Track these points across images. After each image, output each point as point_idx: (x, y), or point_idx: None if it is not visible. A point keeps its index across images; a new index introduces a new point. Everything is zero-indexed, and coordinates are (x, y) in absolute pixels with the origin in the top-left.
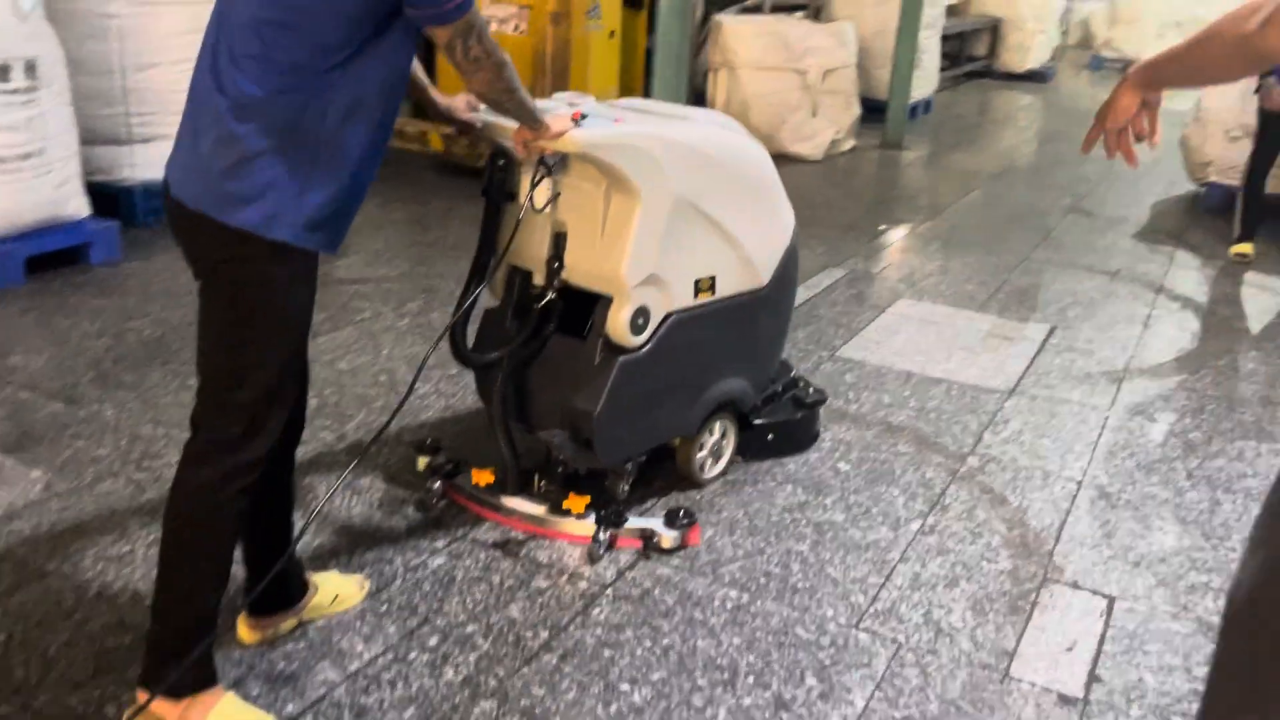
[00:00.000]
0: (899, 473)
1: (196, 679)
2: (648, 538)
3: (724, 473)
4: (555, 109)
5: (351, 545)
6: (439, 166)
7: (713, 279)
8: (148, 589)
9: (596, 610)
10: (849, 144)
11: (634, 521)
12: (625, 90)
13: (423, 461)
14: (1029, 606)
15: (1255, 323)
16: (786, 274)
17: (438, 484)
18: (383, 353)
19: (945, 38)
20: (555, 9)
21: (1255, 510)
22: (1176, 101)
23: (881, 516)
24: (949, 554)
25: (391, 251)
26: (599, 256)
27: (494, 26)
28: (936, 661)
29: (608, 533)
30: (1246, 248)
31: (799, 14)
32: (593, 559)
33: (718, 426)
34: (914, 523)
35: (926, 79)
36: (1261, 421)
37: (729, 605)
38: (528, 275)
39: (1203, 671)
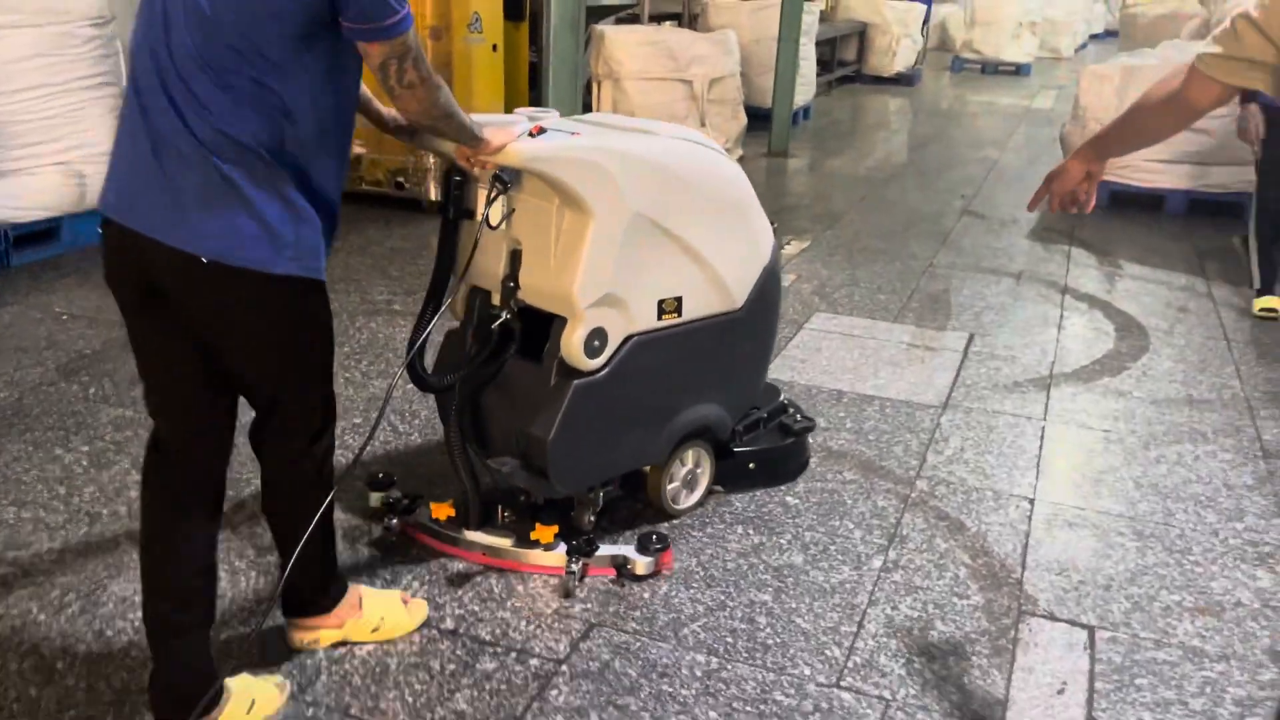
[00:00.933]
0: (850, 503)
1: (342, 583)
2: (620, 565)
3: (700, 504)
4: (515, 123)
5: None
6: None
7: (679, 300)
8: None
9: (554, 692)
10: (737, 153)
11: (605, 549)
12: (510, 104)
13: (376, 498)
14: (1010, 645)
15: (1159, 319)
16: (765, 296)
17: (394, 521)
18: None
19: (817, 44)
20: (434, 23)
21: (1209, 518)
22: (1040, 99)
23: (841, 555)
24: (918, 592)
25: None
26: (552, 275)
27: None
28: (929, 719)
29: (579, 563)
30: (1275, 301)
31: (669, 23)
32: (566, 592)
33: (691, 455)
34: (875, 559)
35: (805, 85)
36: (1191, 423)
37: (698, 673)
38: (488, 295)
39: (1199, 704)
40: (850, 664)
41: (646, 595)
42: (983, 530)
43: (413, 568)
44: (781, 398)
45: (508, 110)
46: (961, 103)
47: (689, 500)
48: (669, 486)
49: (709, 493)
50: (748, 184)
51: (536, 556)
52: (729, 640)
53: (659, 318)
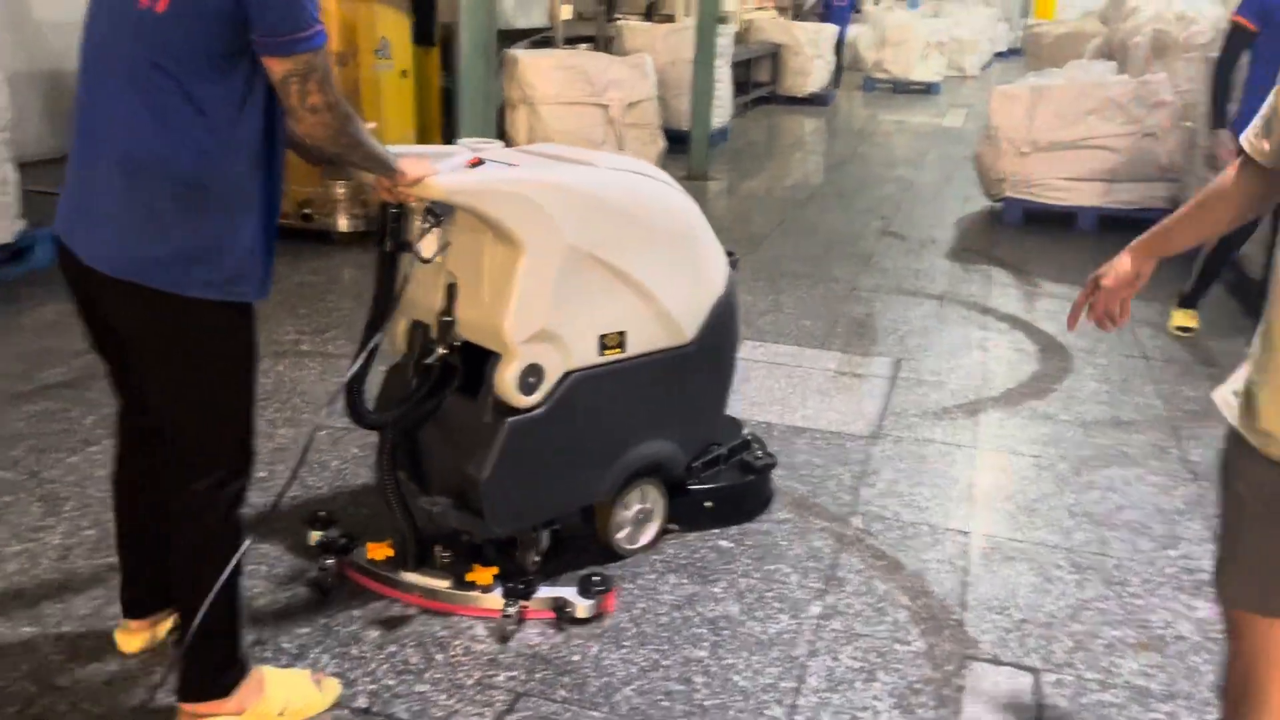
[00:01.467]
0: (785, 545)
1: (242, 669)
2: (560, 608)
3: (654, 543)
4: (441, 155)
5: None
6: None
7: (622, 335)
8: None
9: None
10: None
11: (545, 591)
12: (423, 132)
13: (314, 536)
14: (956, 694)
15: (1079, 338)
16: (719, 329)
17: (330, 561)
18: None
19: (732, 65)
20: (340, 49)
21: (1144, 545)
22: (951, 118)
23: (778, 602)
24: (858, 640)
25: None
26: (485, 310)
27: None
28: None
29: (516, 606)
30: (1190, 319)
31: (582, 46)
32: (503, 636)
33: (641, 493)
34: (814, 605)
35: (721, 107)
36: (1119, 445)
37: None
38: (429, 329)
39: None
40: None
41: (576, 658)
42: (920, 569)
43: (321, 639)
44: (745, 433)
45: (433, 139)
46: (875, 122)
47: (641, 540)
48: (618, 525)
49: (663, 532)
50: (698, 215)
51: (473, 599)
52: (665, 704)
53: (601, 353)
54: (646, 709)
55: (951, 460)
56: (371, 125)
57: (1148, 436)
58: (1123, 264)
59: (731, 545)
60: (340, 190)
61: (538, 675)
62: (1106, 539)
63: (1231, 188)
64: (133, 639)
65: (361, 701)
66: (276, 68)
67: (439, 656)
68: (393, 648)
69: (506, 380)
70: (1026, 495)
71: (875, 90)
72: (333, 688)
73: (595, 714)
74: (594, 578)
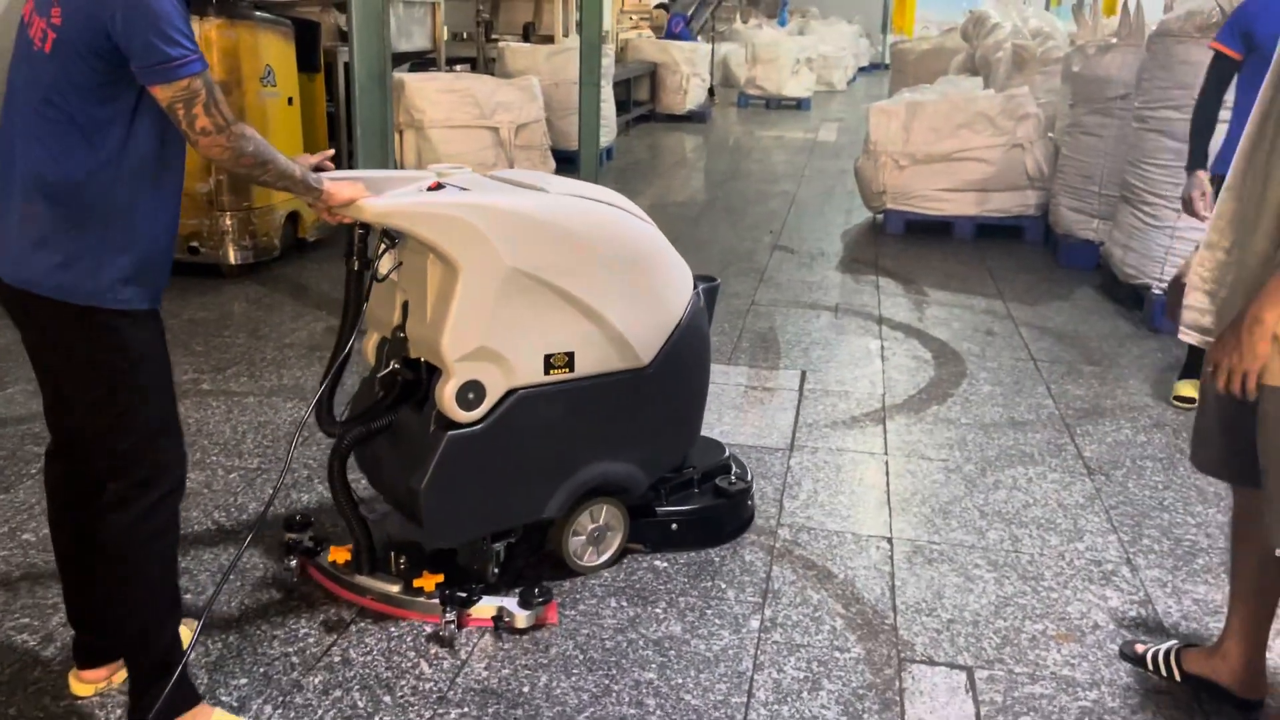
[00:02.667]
0: (719, 561)
1: (185, 698)
2: (499, 618)
3: (614, 562)
4: (418, 179)
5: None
6: None
7: (569, 355)
8: None
9: None
10: None
11: (487, 600)
12: None
13: (287, 537)
14: (898, 696)
15: (970, 343)
16: (681, 354)
17: (294, 562)
18: None
19: (613, 85)
20: (223, 77)
21: (1053, 540)
22: (824, 132)
23: (719, 618)
24: (800, 650)
25: None
26: (428, 328)
27: None
28: None
29: (454, 612)
30: (1190, 389)
31: (460, 67)
32: (442, 641)
33: (597, 512)
34: (753, 619)
35: (606, 127)
36: (1018, 445)
37: None
38: (391, 344)
39: None
40: None
41: (526, 689)
42: (850, 576)
43: (262, 689)
44: (725, 455)
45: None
46: (753, 138)
47: (598, 558)
48: (572, 542)
49: (625, 552)
50: (655, 241)
51: (418, 605)
52: None
53: (546, 372)
54: None
55: (866, 468)
56: None
57: (1044, 435)
58: (1261, 348)
59: (667, 565)
60: (228, 222)
61: (490, 710)
62: (1018, 536)
63: None
64: (85, 686)
65: None
66: (160, 95)
67: (386, 699)
68: (337, 693)
69: (445, 396)
70: (940, 498)
71: (749, 106)
72: None
73: None
74: (535, 590)
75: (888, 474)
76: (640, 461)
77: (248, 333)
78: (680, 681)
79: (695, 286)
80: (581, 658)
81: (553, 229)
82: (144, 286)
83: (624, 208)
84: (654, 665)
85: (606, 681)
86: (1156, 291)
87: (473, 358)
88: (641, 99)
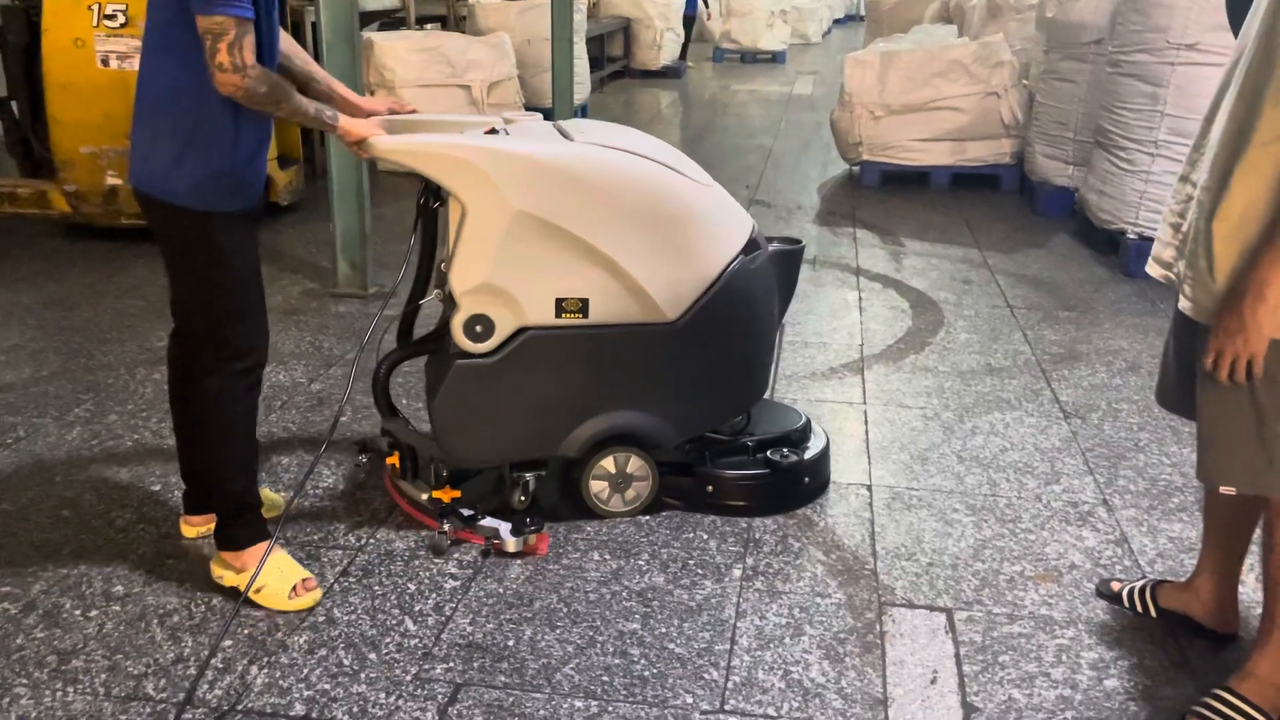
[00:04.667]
0: (700, 513)
1: (256, 534)
2: (489, 538)
3: (641, 512)
4: (483, 124)
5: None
6: (69, 230)
7: (583, 302)
8: None
9: None
10: None
11: (489, 522)
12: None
13: (369, 440)
14: (878, 639)
15: (947, 292)
16: (716, 314)
17: (364, 458)
18: (56, 480)
19: (586, 41)
20: None
21: (1030, 484)
22: (800, 85)
23: (701, 569)
24: (781, 597)
25: (33, 345)
26: (449, 262)
27: (114, 64)
28: None
29: (450, 526)
30: None
31: (431, 26)
32: (436, 550)
33: (621, 460)
34: (735, 568)
35: (580, 83)
36: (995, 391)
37: None
38: None
39: (1059, 673)
40: (730, 684)
41: (511, 643)
42: (830, 524)
43: (247, 649)
44: (795, 425)
45: (292, 126)
46: (728, 92)
47: (621, 505)
48: (593, 485)
49: (659, 504)
50: (695, 199)
51: (424, 511)
52: (605, 679)
53: (558, 315)
54: (588, 685)
55: (845, 417)
56: None
57: (1020, 381)
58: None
59: (649, 518)
60: None
61: (475, 664)
62: (995, 480)
63: None
64: (190, 529)
65: (299, 709)
66: (199, 23)
67: (372, 656)
68: (323, 651)
69: (455, 325)
70: (918, 445)
71: (725, 61)
72: (309, 600)
73: (538, 695)
74: (527, 519)
75: (866, 423)
76: (670, 417)
77: None
78: (664, 631)
79: (754, 249)
80: (566, 610)
81: (566, 176)
82: (226, 193)
83: (668, 163)
84: (637, 616)
85: (591, 633)
86: (1131, 236)
87: (478, 292)
88: (615, 55)
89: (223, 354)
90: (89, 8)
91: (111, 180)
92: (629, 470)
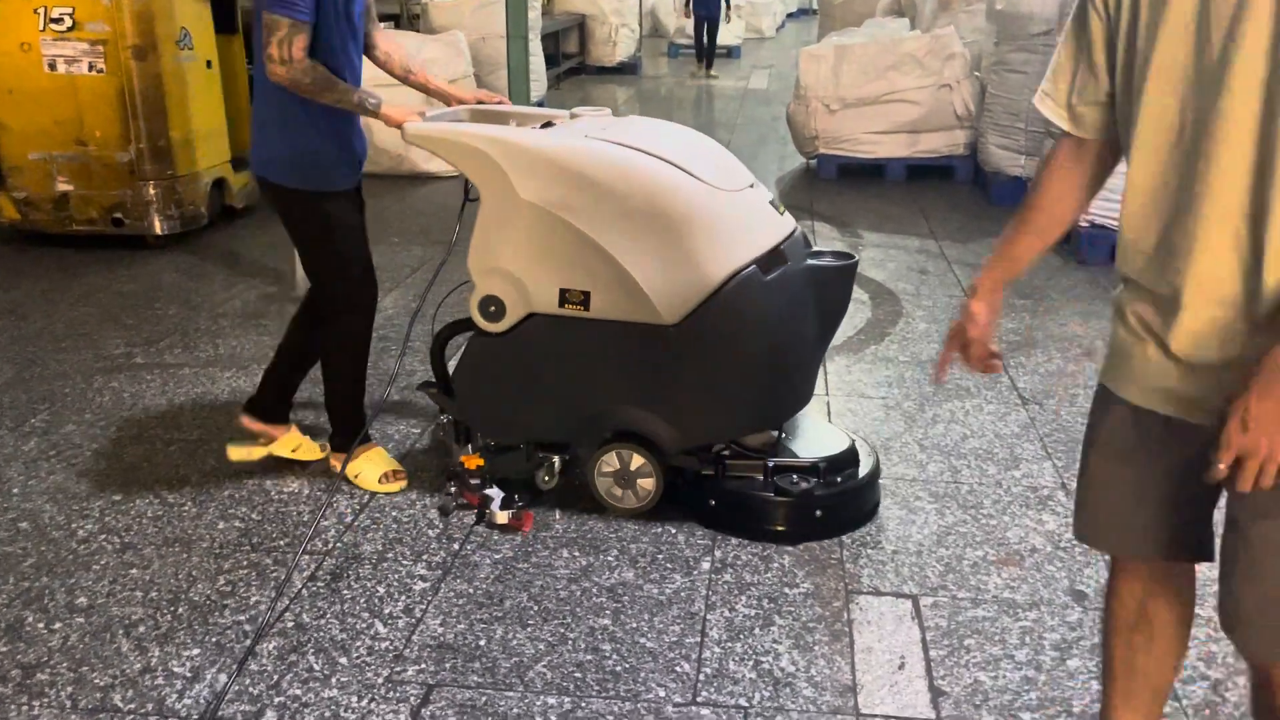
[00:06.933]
0: (669, 507)
1: (358, 438)
2: (484, 505)
3: (648, 509)
4: (553, 116)
5: None
6: (19, 238)
7: (585, 294)
8: None
9: None
10: None
11: (490, 490)
12: (235, 123)
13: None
14: (846, 627)
15: (905, 283)
16: (714, 321)
17: (446, 419)
18: (13, 492)
19: (542, 38)
20: (137, 41)
21: (990, 470)
22: (756, 79)
23: (670, 563)
24: (750, 589)
25: None
26: None
27: (62, 68)
28: (787, 719)
29: (455, 486)
30: None
31: (384, 25)
32: (443, 510)
33: (625, 456)
34: (704, 561)
35: (536, 81)
36: (954, 380)
37: (553, 717)
38: None
39: (1023, 655)
40: (702, 677)
41: (483, 643)
42: None
43: (215, 657)
44: (830, 454)
45: (244, 130)
46: (684, 88)
47: (626, 502)
48: (598, 476)
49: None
50: (704, 205)
51: (457, 477)
52: (577, 675)
53: (561, 305)
54: (560, 682)
55: (809, 406)
56: None
57: None
58: (978, 312)
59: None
60: (152, 191)
61: (447, 664)
62: (957, 467)
63: (1060, 177)
64: (240, 450)
65: (270, 716)
66: (263, 17)
67: (342, 660)
68: (293, 657)
69: (471, 303)
70: (881, 435)
71: (680, 56)
72: (396, 486)
73: (511, 694)
74: (516, 496)
75: (829, 414)
76: (672, 420)
77: (179, 303)
78: (635, 626)
79: (778, 259)
80: (536, 609)
81: (574, 172)
82: (318, 172)
83: (689, 166)
84: (608, 612)
85: (562, 630)
86: (1084, 225)
87: (490, 274)
88: (571, 51)
89: (335, 307)
90: (35, 11)
91: (62, 186)
92: (631, 467)
